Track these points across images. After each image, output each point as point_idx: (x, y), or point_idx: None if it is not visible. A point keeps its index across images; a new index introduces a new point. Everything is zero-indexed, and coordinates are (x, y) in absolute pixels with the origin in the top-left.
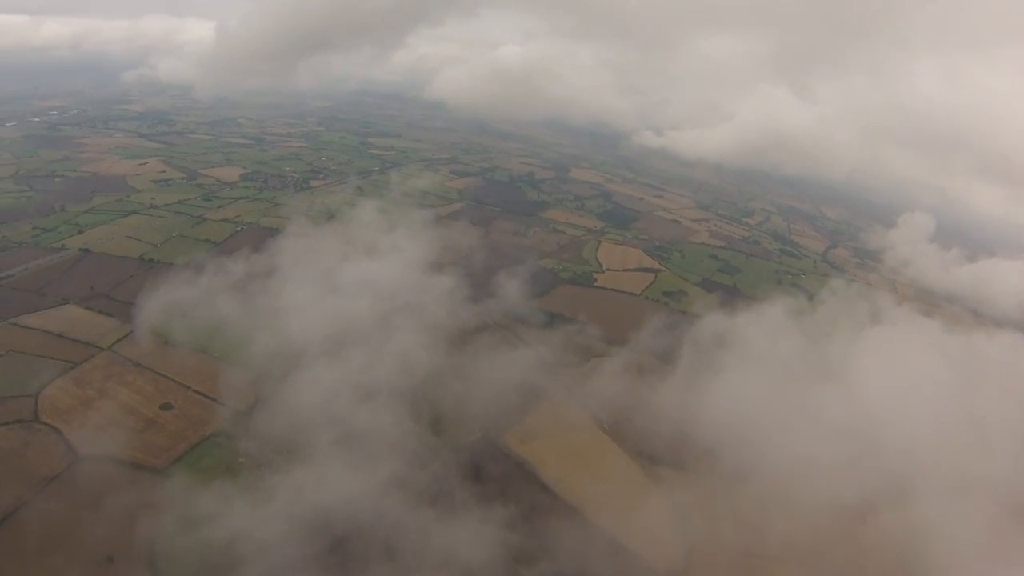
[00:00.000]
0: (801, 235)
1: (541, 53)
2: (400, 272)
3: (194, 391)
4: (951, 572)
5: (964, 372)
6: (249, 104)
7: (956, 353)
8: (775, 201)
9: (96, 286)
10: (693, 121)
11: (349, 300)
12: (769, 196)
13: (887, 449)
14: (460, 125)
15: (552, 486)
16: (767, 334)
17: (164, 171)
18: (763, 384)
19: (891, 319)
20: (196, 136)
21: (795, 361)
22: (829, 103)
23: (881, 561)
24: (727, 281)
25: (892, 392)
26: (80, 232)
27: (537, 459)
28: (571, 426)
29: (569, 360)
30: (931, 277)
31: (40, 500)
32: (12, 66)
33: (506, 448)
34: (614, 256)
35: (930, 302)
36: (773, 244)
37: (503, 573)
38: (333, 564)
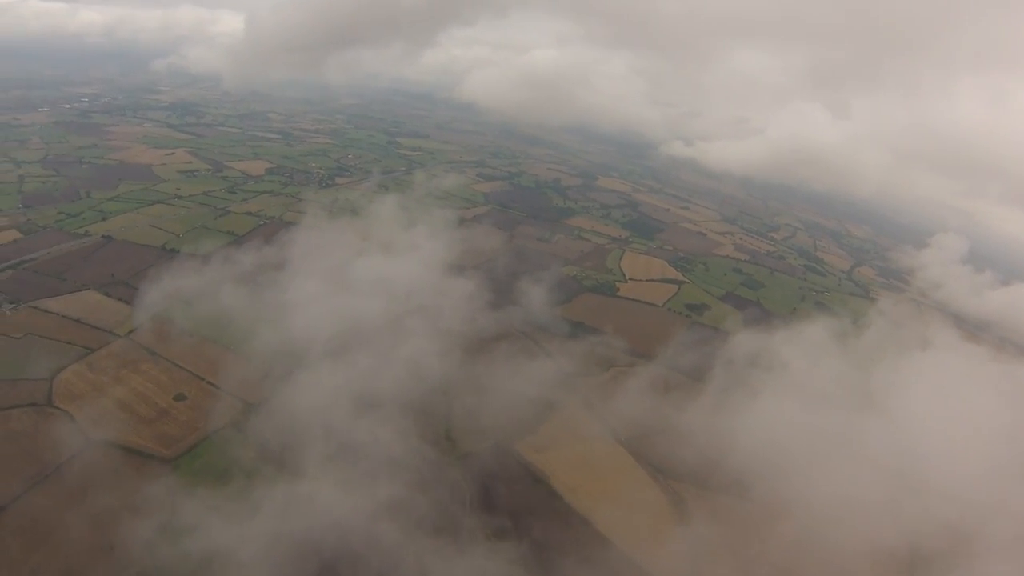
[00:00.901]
0: (826, 252)
1: (573, 58)
2: (420, 272)
3: (208, 382)
4: None
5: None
6: (279, 98)
7: (1008, 385)
8: (801, 217)
9: (116, 273)
10: (722, 134)
11: (366, 299)
12: (795, 212)
13: (933, 491)
14: (489, 128)
15: (564, 495)
16: (801, 355)
17: (190, 162)
18: (797, 409)
19: (936, 344)
20: (224, 128)
21: (832, 386)
22: (862, 120)
23: None
24: (751, 296)
25: (938, 426)
26: (104, 219)
27: (550, 469)
28: (587, 438)
29: (589, 371)
30: (961, 301)
31: (47, 485)
32: (47, 52)
33: (519, 457)
34: (638, 266)
35: (961, 327)
36: (798, 260)
37: None
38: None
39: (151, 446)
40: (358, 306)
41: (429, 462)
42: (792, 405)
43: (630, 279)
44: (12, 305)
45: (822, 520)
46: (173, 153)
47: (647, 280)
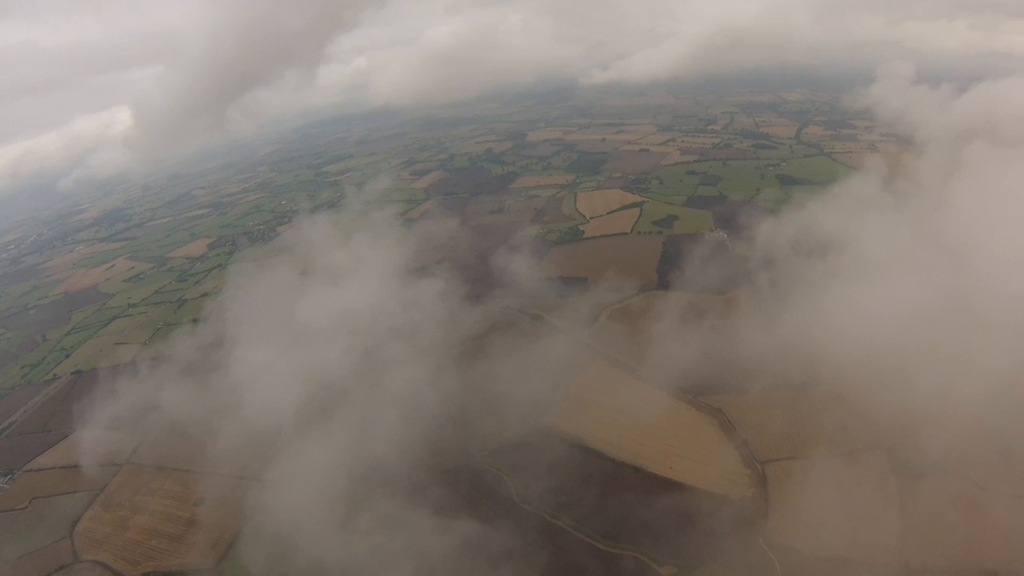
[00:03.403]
0: (769, 126)
1: (468, 25)
2: (382, 290)
3: (220, 475)
4: None
5: None
6: (199, 172)
7: None
8: (734, 101)
9: (97, 405)
10: (638, 46)
11: (332, 342)
12: (727, 99)
13: None
14: (409, 126)
15: (607, 452)
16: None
17: (132, 267)
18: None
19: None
20: (155, 222)
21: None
22: None
23: None
24: (712, 192)
25: None
26: (68, 356)
27: (586, 432)
28: (608, 387)
29: (587, 321)
30: (931, 120)
31: None
32: None
33: (553, 433)
34: (594, 203)
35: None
36: (744, 142)
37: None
38: None
39: (192, 561)
40: (326, 354)
41: (470, 478)
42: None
43: (592, 218)
44: (7, 476)
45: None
46: (112, 265)
47: (608, 213)
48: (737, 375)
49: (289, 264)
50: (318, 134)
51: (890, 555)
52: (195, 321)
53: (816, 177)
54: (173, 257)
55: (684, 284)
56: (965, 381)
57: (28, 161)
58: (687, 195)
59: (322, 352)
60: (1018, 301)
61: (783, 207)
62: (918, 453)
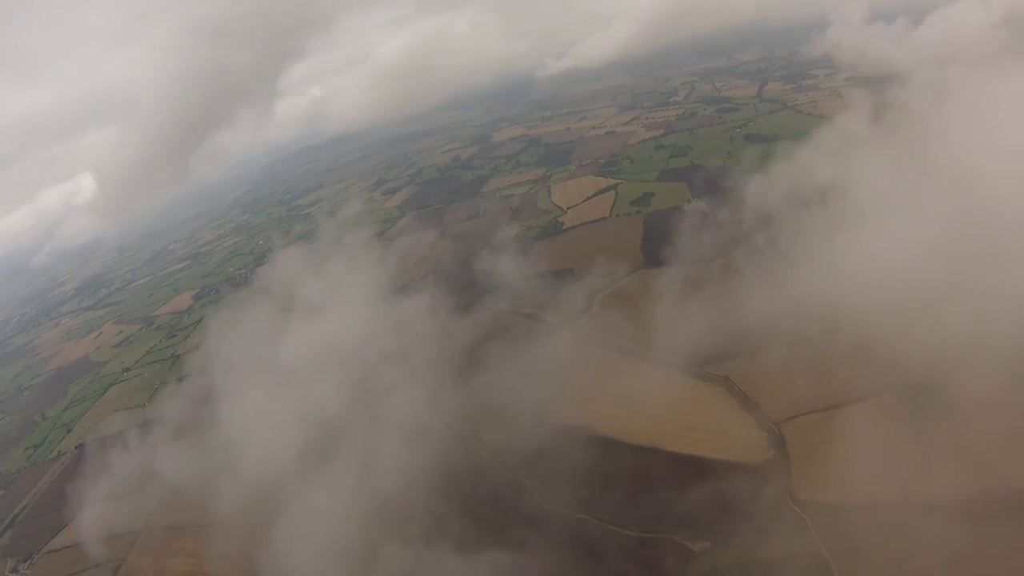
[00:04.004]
0: (730, 89)
1: (416, 36)
2: (367, 316)
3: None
4: None
5: None
6: (173, 225)
7: None
8: (691, 71)
9: (104, 476)
10: (589, 31)
11: (323, 379)
12: (685, 69)
13: None
14: (374, 146)
15: (622, 438)
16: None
17: (121, 331)
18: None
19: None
20: (137, 283)
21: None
22: None
23: None
24: (684, 163)
25: None
26: (69, 431)
27: (597, 422)
28: (611, 373)
29: (581, 310)
30: (891, 55)
31: None
32: None
33: (564, 429)
34: (569, 193)
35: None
36: (707, 109)
37: None
38: None
39: None
40: (319, 392)
41: (490, 497)
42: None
43: (568, 208)
44: (27, 562)
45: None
46: (100, 333)
47: (584, 201)
48: (740, 340)
49: (271, 304)
50: (285, 169)
51: (918, 493)
52: (188, 377)
53: (785, 131)
54: (160, 315)
55: (672, 258)
56: (987, 311)
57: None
58: (659, 170)
59: (314, 390)
60: None
61: (758, 166)
62: (934, 391)
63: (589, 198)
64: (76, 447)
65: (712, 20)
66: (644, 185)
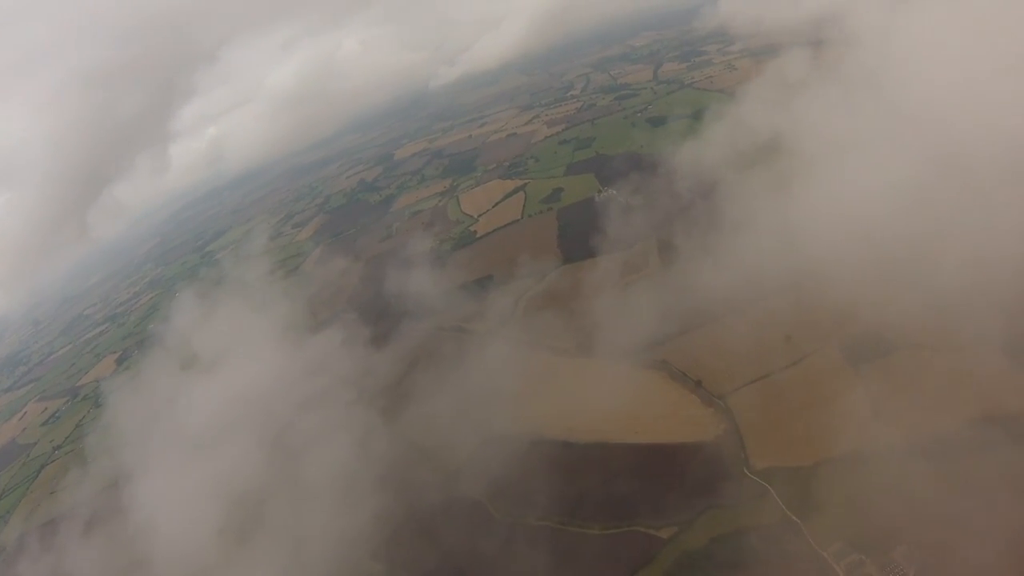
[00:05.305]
0: (626, 75)
1: (307, 60)
2: (289, 361)
3: None
4: None
5: None
6: (86, 290)
7: None
8: (586, 63)
9: (50, 562)
10: (477, 35)
11: (239, 443)
12: (579, 62)
13: None
14: (278, 180)
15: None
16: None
17: (45, 408)
18: None
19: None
20: (56, 355)
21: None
22: None
23: None
24: (589, 155)
25: None
26: (7, 522)
27: (542, 426)
28: (555, 373)
29: (509, 315)
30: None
31: None
32: None
33: (512, 438)
34: (478, 200)
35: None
36: (607, 98)
37: None
38: None
39: None
40: (237, 459)
41: (448, 527)
42: None
43: (480, 216)
44: None
45: None
46: (24, 413)
47: (494, 206)
48: (673, 321)
49: (181, 362)
50: (192, 216)
51: (871, 441)
52: (100, 458)
53: (684, 110)
54: (84, 384)
55: (589, 250)
56: (906, 256)
57: None
58: (565, 164)
59: (232, 457)
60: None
61: (663, 146)
62: (873, 338)
63: (499, 202)
64: (17, 538)
65: (601, 8)
66: (552, 182)
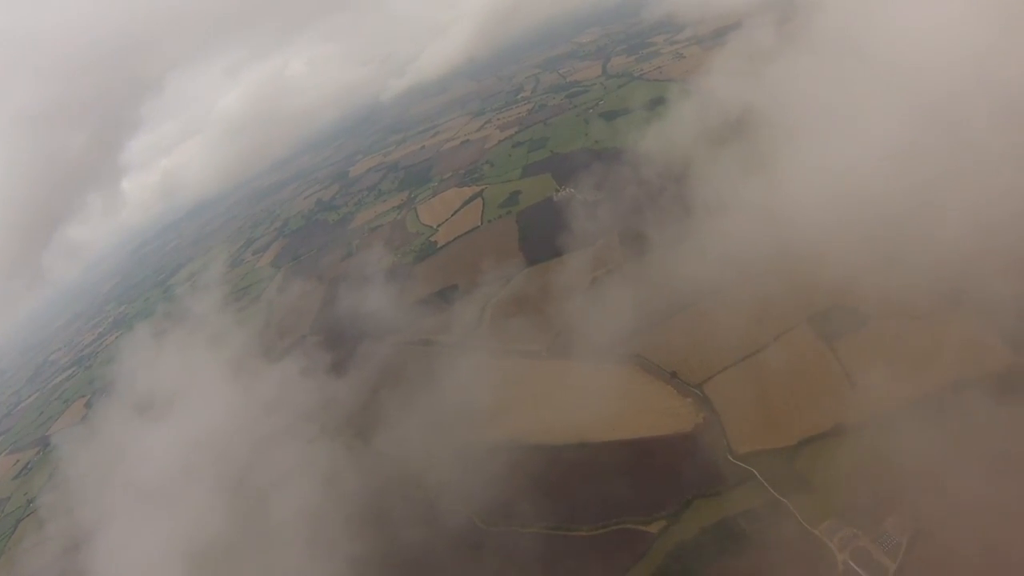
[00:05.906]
0: (575, 73)
1: (253, 82)
2: (253, 395)
3: None
4: None
5: None
6: (50, 335)
7: None
8: (534, 64)
9: None
10: (425, 42)
11: (201, 487)
12: (526, 63)
13: None
14: (236, 207)
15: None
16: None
17: (17, 460)
18: None
19: None
20: (23, 404)
21: None
22: None
23: None
24: (544, 155)
25: None
26: None
27: (520, 432)
28: (530, 378)
29: (474, 324)
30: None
31: None
32: None
33: (490, 447)
34: (436, 211)
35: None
36: (557, 97)
37: None
38: None
39: None
40: (204, 507)
41: (435, 549)
42: None
43: (439, 226)
44: None
45: None
46: None
47: (453, 215)
48: (642, 314)
49: (139, 407)
50: (152, 251)
51: (851, 414)
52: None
53: (636, 102)
54: (54, 432)
55: (552, 250)
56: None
57: None
58: (521, 167)
59: (199, 506)
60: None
61: (618, 140)
62: (844, 312)
63: (457, 211)
64: None
65: (546, 7)
66: (509, 185)
